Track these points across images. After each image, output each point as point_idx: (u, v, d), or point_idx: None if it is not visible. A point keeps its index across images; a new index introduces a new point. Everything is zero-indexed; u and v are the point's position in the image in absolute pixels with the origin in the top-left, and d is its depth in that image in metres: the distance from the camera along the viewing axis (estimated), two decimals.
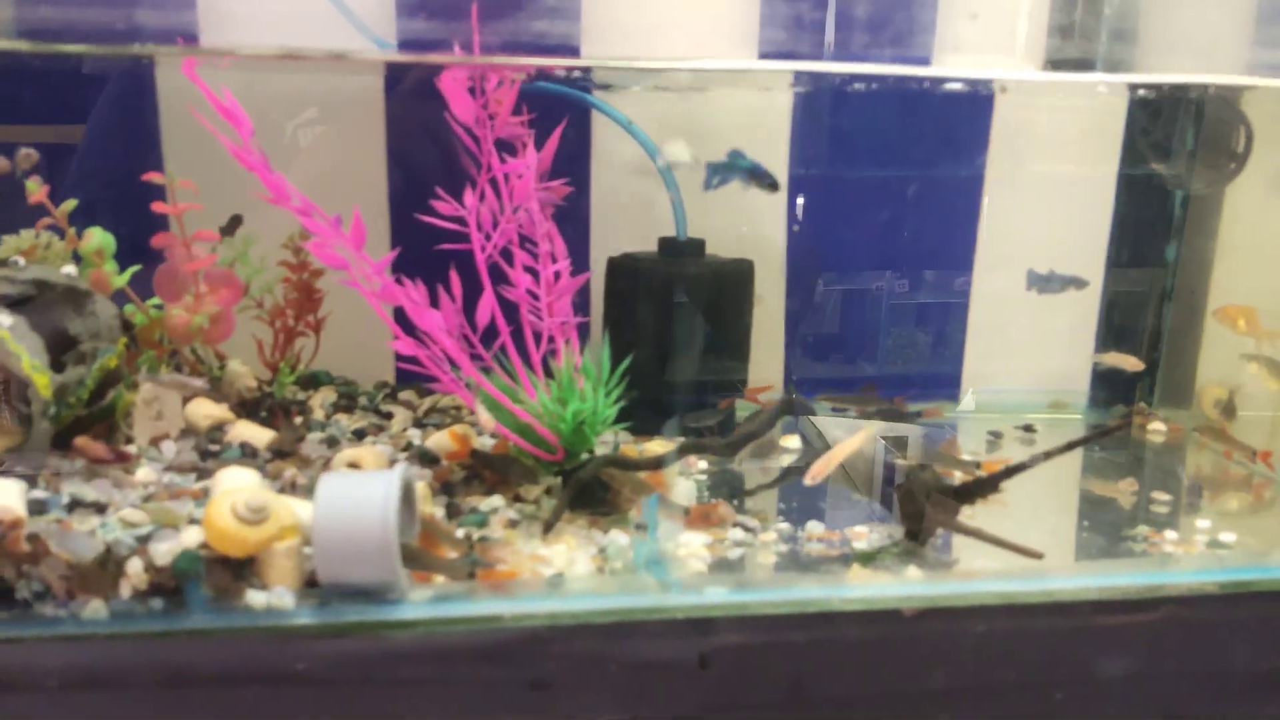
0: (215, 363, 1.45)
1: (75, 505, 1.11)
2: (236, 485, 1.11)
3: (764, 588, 1.09)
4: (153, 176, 1.35)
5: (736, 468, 1.45)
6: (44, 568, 0.97)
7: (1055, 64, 1.58)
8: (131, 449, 1.28)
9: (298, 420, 1.42)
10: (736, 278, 1.56)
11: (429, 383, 1.27)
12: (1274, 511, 1.45)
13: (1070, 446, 1.20)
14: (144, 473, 1.21)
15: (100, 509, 1.11)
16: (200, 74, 1.22)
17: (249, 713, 1.00)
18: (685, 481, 1.35)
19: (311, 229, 1.19)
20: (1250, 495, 1.49)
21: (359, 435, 1.44)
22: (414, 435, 1.47)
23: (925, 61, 1.59)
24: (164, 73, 1.54)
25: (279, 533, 1.02)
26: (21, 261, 1.28)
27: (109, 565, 1.01)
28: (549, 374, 1.32)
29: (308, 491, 1.18)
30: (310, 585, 1.02)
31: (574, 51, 1.55)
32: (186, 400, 1.35)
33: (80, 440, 1.20)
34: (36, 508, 1.09)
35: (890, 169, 1.70)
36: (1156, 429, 1.69)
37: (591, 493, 1.27)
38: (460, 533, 1.17)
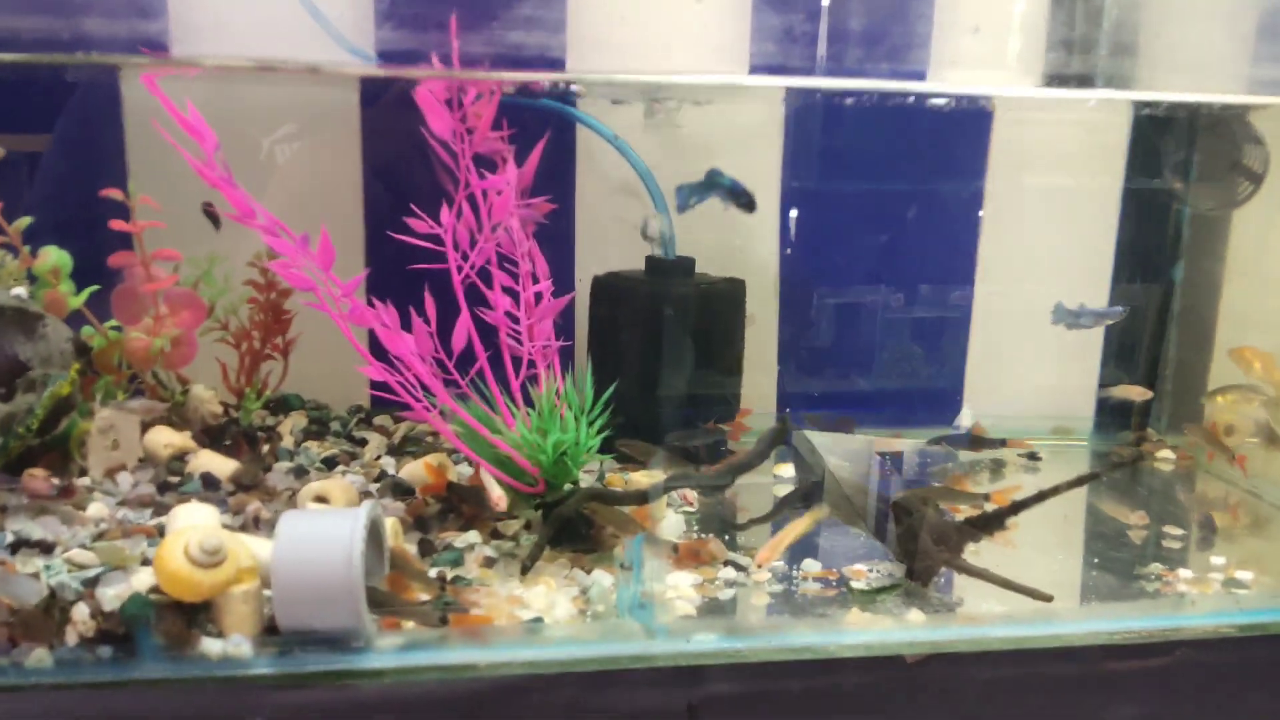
0: (177, 388, 1.38)
1: (20, 545, 1.04)
2: (192, 523, 1.04)
3: (757, 633, 1.02)
4: (111, 193, 1.27)
5: (726, 499, 1.38)
6: None
7: (1054, 79, 1.53)
8: (84, 481, 1.20)
9: (265, 448, 1.35)
10: (727, 297, 1.50)
11: (403, 410, 1.20)
12: None
13: (1081, 481, 1.14)
14: (96, 508, 1.14)
15: (47, 549, 1.04)
16: (169, 86, 1.16)
17: None
18: (673, 515, 1.28)
19: (277, 248, 1.13)
20: (1263, 529, 1.43)
21: (329, 464, 1.37)
22: (388, 464, 1.39)
23: (921, 76, 1.53)
24: (130, 84, 1.47)
25: (236, 575, 0.95)
26: None
27: (54, 611, 0.94)
28: (529, 402, 1.25)
29: (272, 527, 1.11)
30: (270, 632, 0.96)
31: (559, 64, 1.49)
32: (146, 428, 1.28)
33: (27, 473, 1.13)
34: None
35: (887, 186, 1.65)
36: (1165, 456, 1.63)
37: (573, 528, 1.20)
38: (433, 572, 1.10)
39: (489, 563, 1.14)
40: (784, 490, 1.43)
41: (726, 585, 1.13)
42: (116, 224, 1.27)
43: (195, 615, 0.95)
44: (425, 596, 1.05)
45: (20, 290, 1.19)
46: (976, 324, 1.70)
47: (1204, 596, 1.16)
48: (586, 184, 1.60)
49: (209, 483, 1.24)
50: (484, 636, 1.00)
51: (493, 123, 1.24)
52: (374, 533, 1.01)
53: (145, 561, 1.02)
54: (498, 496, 1.14)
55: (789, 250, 1.65)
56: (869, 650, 1.03)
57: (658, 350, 1.45)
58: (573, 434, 1.19)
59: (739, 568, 1.16)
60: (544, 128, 1.31)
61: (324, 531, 0.95)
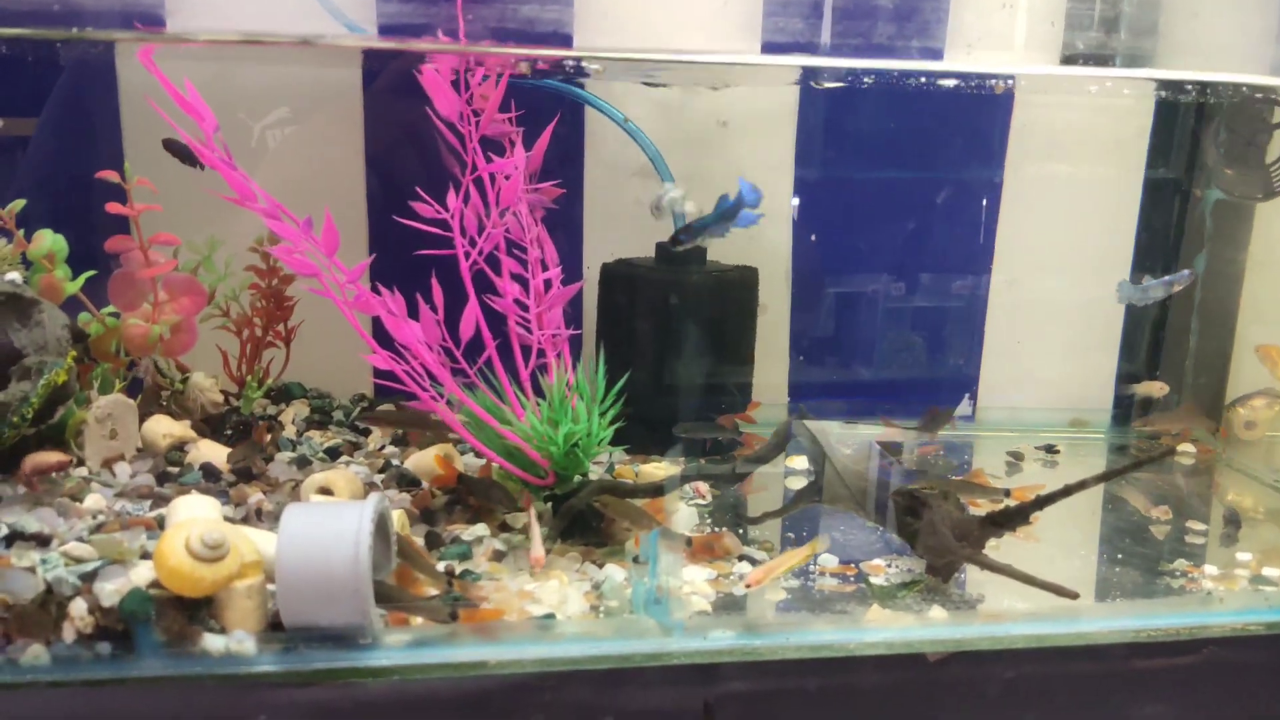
0: (177, 375, 1.34)
1: (15, 537, 1.00)
2: (193, 516, 1.01)
3: (774, 630, 0.99)
4: (107, 175, 1.24)
5: (739, 493, 1.35)
6: None
7: (1074, 59, 1.50)
8: (81, 472, 1.17)
9: (267, 438, 1.31)
10: (740, 286, 1.46)
11: (408, 400, 1.17)
12: None
13: (1108, 476, 1.10)
14: (93, 499, 1.10)
15: (43, 541, 1.01)
16: (167, 66, 1.12)
17: None
18: (686, 508, 1.25)
19: (279, 232, 1.09)
20: None
21: (332, 454, 1.34)
22: (393, 454, 1.36)
23: (938, 55, 1.49)
24: (125, 62, 1.43)
25: (239, 570, 0.92)
26: None
27: (50, 606, 0.91)
28: (538, 392, 1.22)
29: (275, 519, 1.08)
30: (274, 628, 0.93)
31: (566, 41, 1.45)
32: (144, 417, 1.25)
33: (33, 456, 1.09)
34: None
35: (902, 170, 1.61)
36: (1186, 450, 1.60)
37: (584, 521, 1.17)
38: (440, 565, 1.07)
39: (498, 556, 1.11)
40: (797, 483, 1.40)
41: (742, 580, 1.10)
42: (113, 207, 1.23)
43: (197, 611, 0.91)
44: (433, 591, 1.02)
45: (14, 275, 1.16)
46: (993, 313, 1.66)
47: (1231, 593, 1.14)
48: (595, 169, 1.56)
49: (209, 473, 1.20)
50: (494, 633, 0.97)
51: (500, 105, 1.20)
52: (381, 526, 0.98)
53: (145, 555, 0.98)
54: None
55: (803, 238, 1.61)
56: (890, 648, 1.00)
57: (668, 340, 1.42)
58: (585, 425, 1.16)
59: (754, 563, 1.14)
60: (551, 111, 1.27)
61: (330, 525, 0.92)
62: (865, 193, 1.62)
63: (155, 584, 0.93)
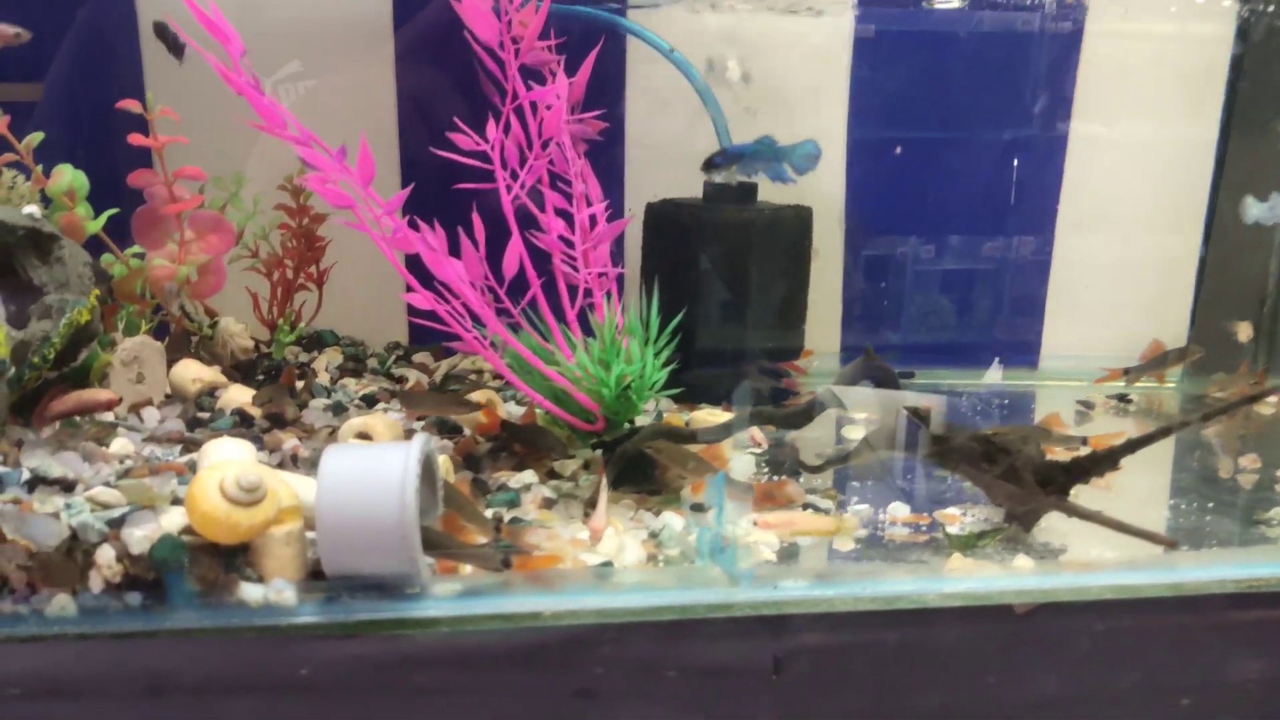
0: (205, 319, 1.28)
1: (37, 482, 0.95)
2: (226, 459, 0.94)
3: (848, 580, 0.92)
4: (128, 104, 1.17)
5: (792, 441, 1.28)
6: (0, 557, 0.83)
7: None
8: (107, 417, 1.11)
9: (299, 383, 1.25)
10: (793, 226, 1.38)
11: (449, 341, 1.10)
12: None
13: (1205, 418, 1.03)
14: (120, 444, 1.05)
15: (67, 487, 0.95)
16: None
17: None
18: (743, 456, 1.18)
19: (311, 161, 1.02)
20: None
21: (369, 402, 1.27)
22: None
23: None
24: None
25: (277, 515, 0.87)
26: None
27: (76, 554, 0.86)
28: (587, 333, 1.14)
29: (311, 466, 1.02)
30: (315, 577, 0.87)
31: None
32: (172, 362, 1.19)
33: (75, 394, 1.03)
34: None
35: (964, 115, 1.52)
36: (1267, 400, 1.51)
37: (636, 468, 1.10)
38: (488, 514, 1.01)
39: (548, 504, 1.05)
40: (856, 431, 1.33)
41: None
42: (135, 138, 1.16)
43: (232, 559, 0.87)
44: (482, 539, 0.95)
45: (32, 208, 1.09)
46: (1059, 260, 1.57)
47: None
48: (637, 104, 1.48)
49: (242, 419, 1.14)
50: (549, 582, 0.91)
51: (540, 32, 1.13)
52: (428, 469, 0.92)
53: (176, 501, 0.93)
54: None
55: (856, 180, 1.52)
56: (972, 599, 0.93)
57: (716, 283, 1.34)
58: (638, 365, 1.08)
59: (819, 510, 1.07)
60: (591, 43, 1.19)
61: (374, 467, 0.86)
62: (924, 131, 1.53)
63: (188, 530, 0.88)
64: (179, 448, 1.07)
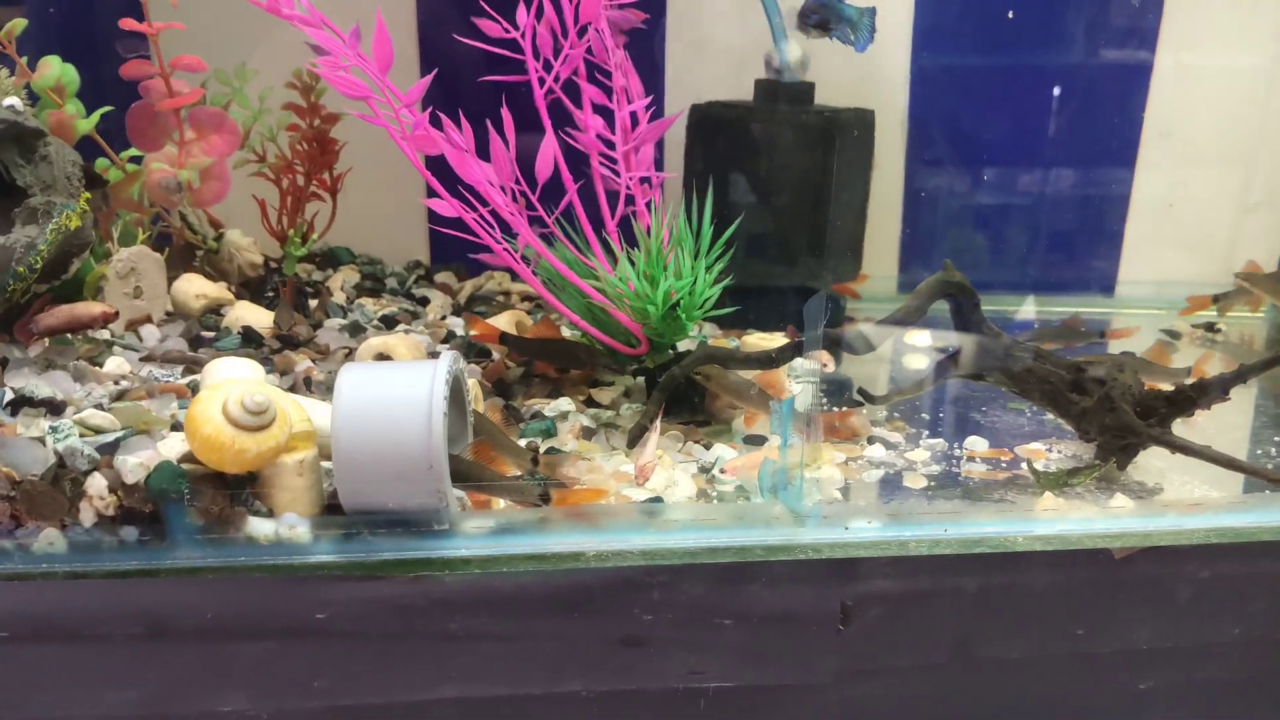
0: (209, 231, 1.17)
1: (22, 403, 0.86)
2: (231, 378, 0.84)
3: (924, 520, 0.82)
4: None
5: (843, 370, 1.17)
6: None
7: None
8: (102, 335, 1.01)
9: (313, 304, 1.15)
10: (854, 129, 1.25)
11: (476, 253, 0.99)
12: None
13: None
14: (115, 363, 0.96)
15: (55, 409, 0.86)
16: None
17: (254, 673, 0.79)
18: (797, 386, 1.07)
19: (322, 44, 0.90)
20: None
21: (388, 323, 1.17)
22: (456, 324, 1.20)
23: None
24: None
25: (288, 442, 0.79)
26: None
27: (63, 483, 0.79)
28: (628, 245, 1.03)
29: (326, 390, 0.92)
30: (331, 511, 0.80)
31: None
32: (173, 276, 1.08)
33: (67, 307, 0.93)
34: None
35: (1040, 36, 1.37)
36: None
37: (682, 396, 1.00)
38: (522, 444, 0.91)
39: (587, 434, 0.95)
40: (917, 360, 1.22)
41: (873, 465, 0.93)
42: (127, 22, 1.04)
43: (239, 490, 0.79)
44: (516, 472, 0.85)
45: (13, 100, 0.98)
46: (1139, 188, 1.44)
47: None
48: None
49: (250, 338, 1.05)
50: (592, 519, 0.83)
51: None
52: (456, 391, 0.82)
53: (176, 426, 0.84)
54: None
55: (920, 86, 1.39)
56: (1064, 542, 0.83)
57: (770, 192, 1.22)
58: (688, 280, 0.97)
59: (888, 444, 0.96)
60: None
61: (396, 389, 0.76)
62: (994, 31, 1.39)
63: (189, 458, 0.79)
64: (180, 368, 0.98)
